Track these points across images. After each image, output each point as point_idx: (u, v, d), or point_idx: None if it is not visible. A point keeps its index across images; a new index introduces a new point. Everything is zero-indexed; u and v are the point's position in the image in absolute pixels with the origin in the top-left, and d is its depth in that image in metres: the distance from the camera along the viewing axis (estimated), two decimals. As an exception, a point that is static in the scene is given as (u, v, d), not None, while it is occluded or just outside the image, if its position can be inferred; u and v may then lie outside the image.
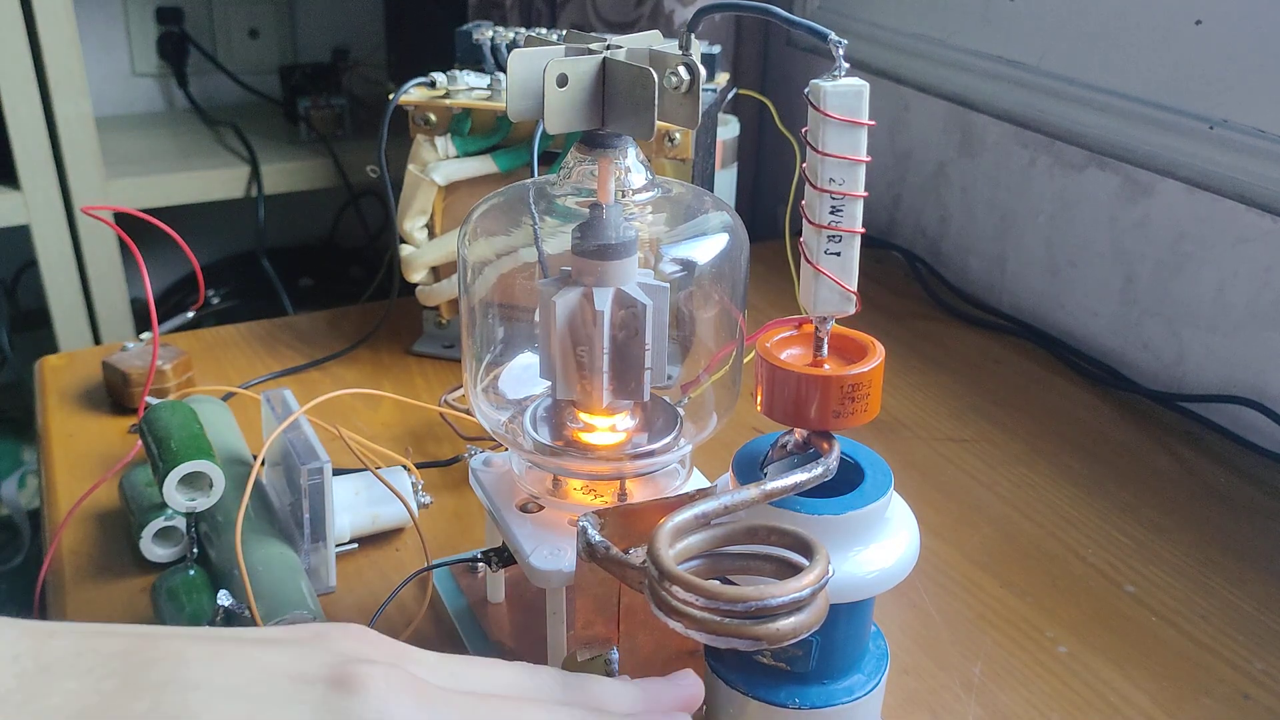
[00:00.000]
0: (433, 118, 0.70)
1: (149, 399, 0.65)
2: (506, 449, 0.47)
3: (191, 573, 0.50)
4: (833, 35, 0.35)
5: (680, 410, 0.47)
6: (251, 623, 0.46)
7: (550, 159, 0.69)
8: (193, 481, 0.49)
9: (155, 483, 0.50)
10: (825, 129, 0.35)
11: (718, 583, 0.32)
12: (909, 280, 0.92)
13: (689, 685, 0.37)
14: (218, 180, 1.21)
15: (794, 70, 1.08)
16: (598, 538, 0.36)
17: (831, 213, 0.36)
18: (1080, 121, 0.79)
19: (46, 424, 0.68)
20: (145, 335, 0.70)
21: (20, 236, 1.11)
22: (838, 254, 0.36)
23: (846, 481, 0.39)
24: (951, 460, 0.66)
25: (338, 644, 0.31)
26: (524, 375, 0.48)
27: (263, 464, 0.51)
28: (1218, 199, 0.70)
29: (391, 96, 0.70)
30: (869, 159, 0.35)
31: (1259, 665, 0.51)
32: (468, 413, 0.62)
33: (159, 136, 1.33)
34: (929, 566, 0.56)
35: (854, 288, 0.37)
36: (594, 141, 0.41)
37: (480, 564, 0.48)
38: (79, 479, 0.62)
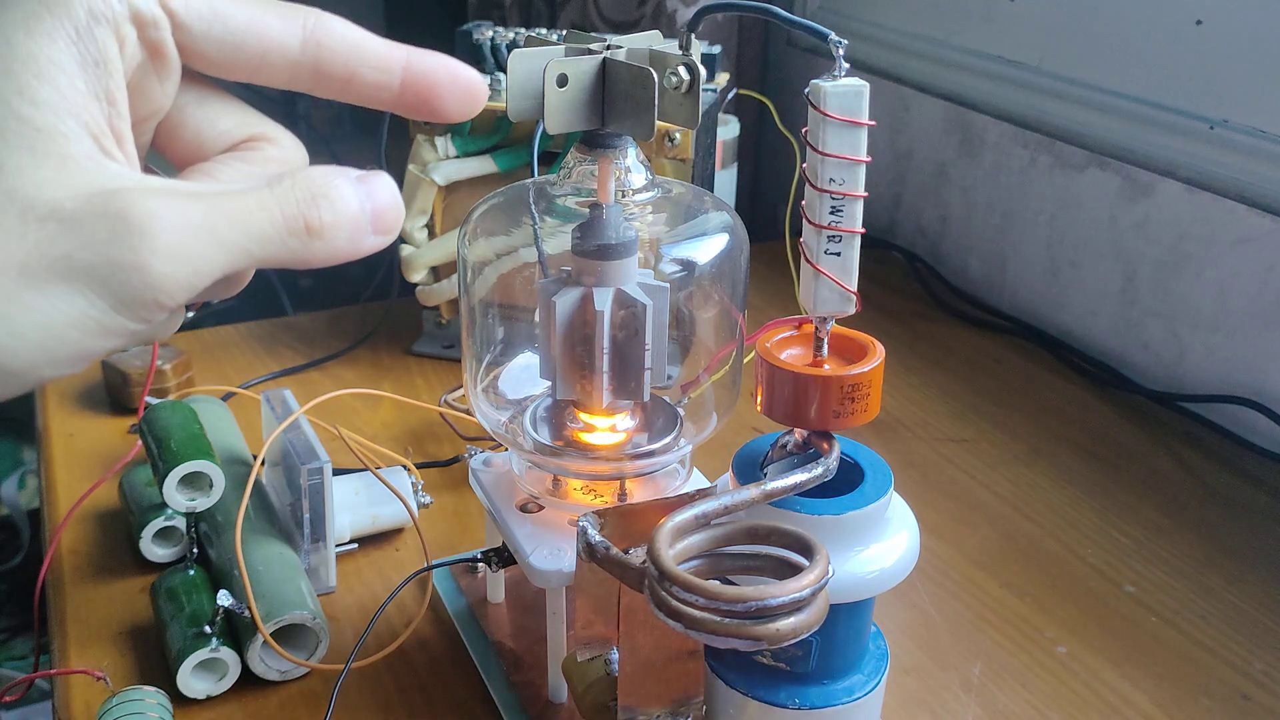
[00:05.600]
0: (433, 118, 0.70)
1: (149, 399, 0.65)
2: (506, 449, 0.47)
3: (191, 573, 0.50)
4: (833, 35, 0.35)
5: (680, 410, 0.47)
6: (251, 623, 0.46)
7: (550, 159, 0.69)
8: (193, 481, 0.49)
9: (155, 483, 0.50)
10: (825, 129, 0.35)
11: (718, 583, 0.32)
12: (909, 280, 0.92)
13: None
14: (217, 180, 1.21)
15: (794, 70, 1.08)
16: (598, 538, 0.36)
17: (831, 213, 0.36)
18: (1080, 121, 0.79)
19: (46, 424, 0.68)
20: (145, 335, 0.70)
21: (20, 236, 1.11)
22: (838, 254, 0.36)
23: (846, 481, 0.39)
24: (951, 460, 0.66)
25: None
26: (524, 375, 0.48)
27: (263, 464, 0.51)
28: (1218, 199, 0.70)
29: (391, 96, 0.69)
30: (869, 159, 0.35)
31: (1259, 665, 0.51)
32: (468, 413, 0.62)
33: (159, 136, 1.32)
34: (929, 566, 0.56)
35: (854, 288, 0.37)
36: (594, 141, 0.41)
37: (480, 564, 0.48)
38: (79, 479, 0.62)
